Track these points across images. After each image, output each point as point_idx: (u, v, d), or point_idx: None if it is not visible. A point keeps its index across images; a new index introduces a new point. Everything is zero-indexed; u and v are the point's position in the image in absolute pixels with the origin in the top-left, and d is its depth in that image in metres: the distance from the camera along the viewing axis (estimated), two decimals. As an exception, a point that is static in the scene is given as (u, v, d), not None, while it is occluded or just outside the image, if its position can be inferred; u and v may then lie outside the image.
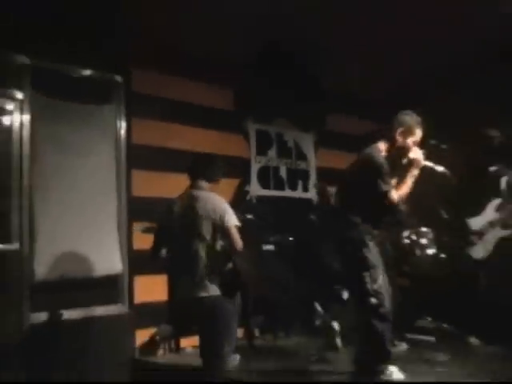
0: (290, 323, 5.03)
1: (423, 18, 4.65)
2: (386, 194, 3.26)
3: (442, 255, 4.76)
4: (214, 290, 3.51)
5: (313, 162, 6.40)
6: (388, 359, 3.26)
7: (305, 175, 6.32)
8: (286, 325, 5.02)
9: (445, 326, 4.64)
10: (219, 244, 3.61)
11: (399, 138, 3.40)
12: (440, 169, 3.51)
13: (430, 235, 4.77)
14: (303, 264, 5.01)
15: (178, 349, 4.37)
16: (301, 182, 6.25)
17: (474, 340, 4.32)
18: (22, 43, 4.10)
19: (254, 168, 5.83)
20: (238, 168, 5.53)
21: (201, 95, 5.24)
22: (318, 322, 4.64)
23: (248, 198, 5.69)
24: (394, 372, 3.22)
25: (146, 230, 4.15)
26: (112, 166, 4.62)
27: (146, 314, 4.45)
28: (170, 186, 4.28)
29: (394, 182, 3.42)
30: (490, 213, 4.55)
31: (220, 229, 3.57)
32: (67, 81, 4.39)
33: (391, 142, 3.44)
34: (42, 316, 4.01)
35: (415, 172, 3.38)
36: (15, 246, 4.00)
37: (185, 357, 4.25)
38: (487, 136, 4.77)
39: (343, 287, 4.63)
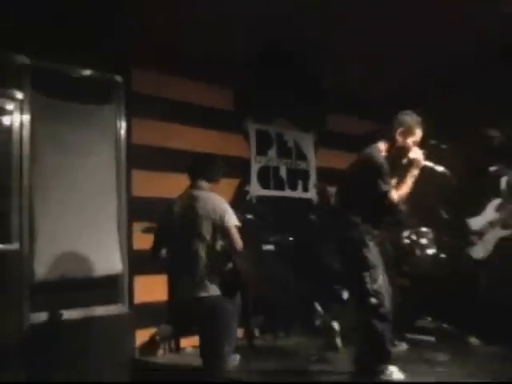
0: (289, 323, 5.03)
1: (423, 17, 4.65)
2: (386, 194, 3.26)
3: (442, 255, 4.75)
4: (214, 290, 3.51)
5: (313, 162, 6.39)
6: (388, 359, 3.26)
7: (305, 175, 6.32)
8: (286, 325, 5.02)
9: (445, 326, 4.64)
10: (219, 244, 3.61)
11: (399, 138, 3.40)
12: (440, 169, 3.50)
13: (430, 235, 4.77)
14: (303, 264, 5.00)
15: (177, 349, 4.37)
16: (301, 182, 6.25)
17: (474, 340, 4.32)
18: (22, 43, 4.10)
19: (254, 168, 5.83)
20: (238, 168, 5.53)
21: (201, 95, 5.24)
22: (317, 322, 4.64)
23: (248, 197, 5.69)
24: (394, 372, 3.22)
25: (146, 230, 4.15)
26: (112, 166, 4.62)
27: (146, 314, 4.45)
28: (169, 186, 4.28)
29: (394, 181, 3.41)
30: (490, 213, 4.55)
31: (220, 229, 3.57)
32: (67, 81, 4.39)
33: (391, 141, 3.44)
34: (41, 316, 4.01)
35: (415, 172, 3.38)
36: (15, 246, 4.00)
37: (185, 357, 4.25)
38: (487, 136, 4.77)
39: (343, 287, 4.63)
